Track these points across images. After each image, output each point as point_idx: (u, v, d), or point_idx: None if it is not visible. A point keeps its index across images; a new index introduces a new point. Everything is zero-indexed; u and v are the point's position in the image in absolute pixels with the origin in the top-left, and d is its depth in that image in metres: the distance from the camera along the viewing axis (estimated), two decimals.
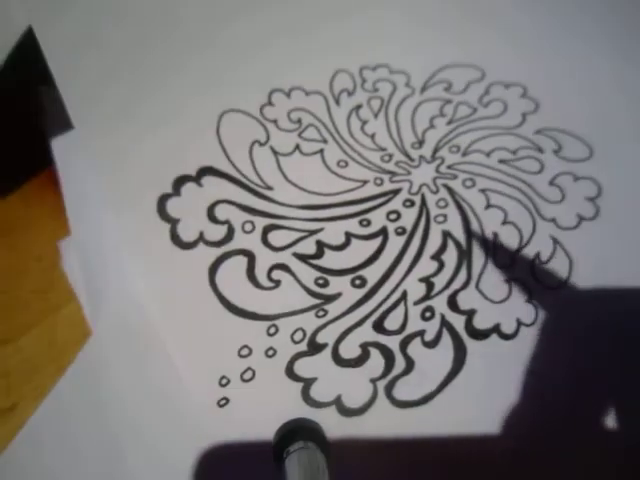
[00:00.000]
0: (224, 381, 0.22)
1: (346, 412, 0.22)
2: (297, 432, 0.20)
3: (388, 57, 0.30)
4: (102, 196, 0.25)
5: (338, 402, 0.22)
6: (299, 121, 0.28)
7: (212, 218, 0.25)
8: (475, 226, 0.25)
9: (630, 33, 0.30)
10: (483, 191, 0.26)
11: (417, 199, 0.26)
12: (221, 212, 0.25)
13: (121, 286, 0.24)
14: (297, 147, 0.27)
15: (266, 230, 0.25)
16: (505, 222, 0.25)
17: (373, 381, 0.22)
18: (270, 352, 0.23)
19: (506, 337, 0.23)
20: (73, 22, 0.27)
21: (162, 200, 0.25)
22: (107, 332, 0.23)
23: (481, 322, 0.23)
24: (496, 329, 0.23)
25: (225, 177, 0.26)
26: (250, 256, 0.24)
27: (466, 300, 0.24)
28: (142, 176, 0.25)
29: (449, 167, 0.27)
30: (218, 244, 0.25)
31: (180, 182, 0.25)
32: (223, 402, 0.22)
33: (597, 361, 0.23)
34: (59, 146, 0.28)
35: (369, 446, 0.21)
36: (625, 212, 0.25)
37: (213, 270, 0.24)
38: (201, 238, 0.25)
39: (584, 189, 0.26)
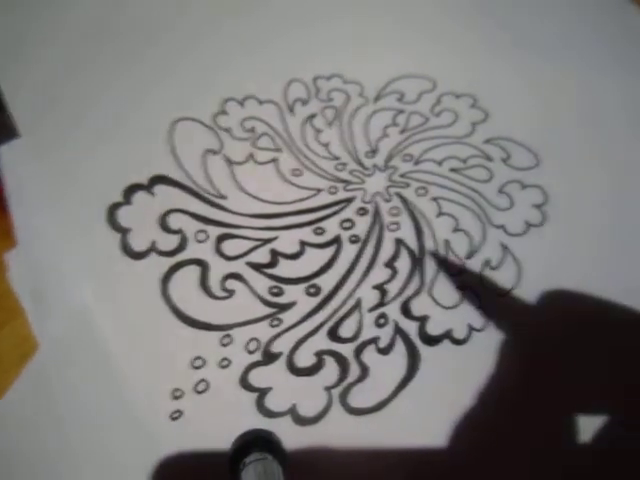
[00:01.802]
0: (177, 393, 0.22)
1: (301, 421, 0.22)
2: (253, 443, 0.20)
3: (342, 67, 0.30)
4: (49, 206, 0.24)
5: (293, 411, 0.22)
6: (253, 130, 0.28)
7: (164, 227, 0.25)
8: (427, 234, 0.26)
9: (576, 44, 0.31)
10: (435, 199, 0.27)
11: (370, 207, 0.27)
12: (174, 221, 0.25)
13: (69, 300, 0.23)
14: (251, 156, 0.27)
15: (220, 239, 0.25)
16: (456, 229, 0.26)
17: (328, 389, 0.22)
18: (224, 363, 0.23)
19: (458, 342, 0.23)
20: (18, 33, 0.26)
21: (112, 209, 0.25)
22: (55, 347, 0.22)
23: (434, 328, 0.24)
24: (448, 335, 0.24)
25: (178, 186, 0.26)
26: (203, 266, 0.24)
27: (419, 306, 0.24)
28: (91, 185, 0.25)
29: (402, 176, 0.27)
30: (171, 254, 0.24)
31: (131, 191, 0.25)
32: (177, 415, 0.21)
33: (547, 365, 0.23)
34: (6, 155, 0.27)
35: (325, 455, 0.21)
36: (570, 218, 0.26)
37: (165, 280, 0.24)
38: (153, 248, 0.24)
39: (531, 196, 0.27)
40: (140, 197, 0.25)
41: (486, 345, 0.23)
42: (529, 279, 0.25)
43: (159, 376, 0.22)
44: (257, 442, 0.20)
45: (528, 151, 0.28)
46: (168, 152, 0.26)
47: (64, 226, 0.24)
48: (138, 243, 0.24)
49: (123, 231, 0.24)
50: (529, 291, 0.24)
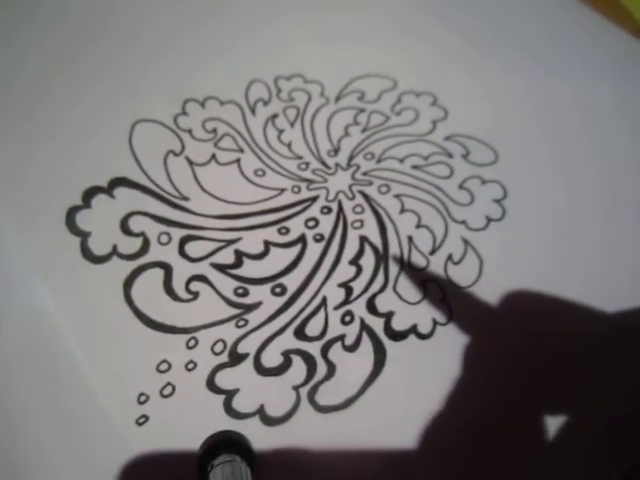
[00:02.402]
0: (143, 398, 0.21)
1: (269, 421, 0.22)
2: (221, 445, 0.20)
3: (302, 67, 0.30)
4: (3, 209, 0.24)
5: (261, 412, 0.22)
6: (214, 131, 0.27)
7: (126, 230, 0.24)
8: (391, 230, 0.26)
9: (534, 43, 0.32)
10: (397, 196, 0.27)
11: (334, 206, 0.27)
12: (135, 224, 0.25)
13: (26, 304, 0.22)
14: (213, 157, 0.27)
15: (183, 241, 0.25)
16: (419, 225, 0.26)
17: (296, 388, 0.22)
18: (190, 365, 0.22)
19: (423, 337, 0.24)
20: None
21: (71, 212, 0.24)
22: (9, 352, 0.22)
23: (399, 323, 0.24)
24: (413, 329, 0.24)
25: (139, 188, 0.25)
26: (167, 268, 0.24)
27: (384, 303, 0.24)
28: (48, 188, 0.24)
29: (364, 174, 0.28)
30: (133, 257, 0.24)
31: (90, 194, 0.25)
32: (142, 420, 0.21)
33: (510, 359, 0.24)
34: None
35: (294, 455, 0.21)
36: (529, 212, 0.27)
37: (128, 284, 0.23)
38: (115, 251, 0.24)
39: (491, 192, 0.27)
40: (100, 200, 0.25)
41: (451, 339, 0.24)
42: (490, 273, 0.25)
43: (124, 381, 0.22)
44: (225, 444, 0.20)
45: (487, 147, 0.28)
46: (128, 154, 0.26)
47: (19, 231, 0.23)
48: (99, 247, 0.24)
49: (83, 235, 0.24)
50: (491, 285, 0.25)
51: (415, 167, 0.28)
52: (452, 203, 0.27)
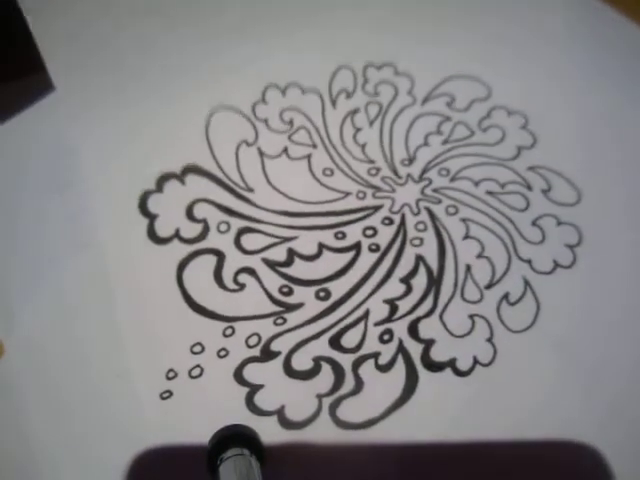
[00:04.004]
0: (171, 374, 0.22)
1: (287, 424, 0.22)
2: (232, 438, 0.20)
3: (396, 56, 0.29)
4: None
5: (280, 413, 0.22)
6: (291, 122, 0.27)
7: (190, 216, 0.25)
8: (450, 255, 0.25)
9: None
10: (464, 220, 0.26)
11: (397, 218, 0.26)
12: (199, 211, 0.25)
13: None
14: (285, 150, 0.27)
15: (240, 232, 0.25)
16: (480, 255, 0.25)
17: (319, 397, 0.22)
18: (222, 353, 0.23)
19: (460, 373, 0.23)
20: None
21: (144, 196, 0.25)
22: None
23: (438, 354, 0.23)
24: (451, 363, 0.23)
25: (208, 176, 0.26)
26: (220, 256, 0.24)
27: (427, 329, 0.24)
28: (129, 171, 0.25)
29: (435, 190, 0.27)
30: (191, 241, 0.24)
31: (164, 179, 0.26)
32: (166, 395, 0.22)
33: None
34: (42, 111, 0.27)
35: (304, 451, 0.21)
36: (602, 265, 0.25)
37: (182, 266, 0.24)
38: (176, 235, 0.25)
39: (565, 235, 0.26)
40: (172, 186, 0.25)
41: (488, 383, 0.23)
42: (546, 322, 0.24)
43: (158, 354, 0.22)
44: (235, 438, 0.20)
45: (571, 186, 0.26)
46: (204, 142, 0.26)
47: (97, 206, 0.25)
48: (163, 229, 0.25)
49: (151, 217, 0.25)
50: (543, 335, 0.23)
51: (489, 193, 0.26)
52: (521, 239, 0.25)
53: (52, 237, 0.24)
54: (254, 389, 0.22)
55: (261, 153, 0.26)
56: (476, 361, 0.23)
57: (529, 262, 0.25)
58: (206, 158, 0.26)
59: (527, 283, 0.25)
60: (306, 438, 0.21)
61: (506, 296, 0.24)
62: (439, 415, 0.22)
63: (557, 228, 0.26)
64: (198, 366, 0.22)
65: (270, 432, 0.21)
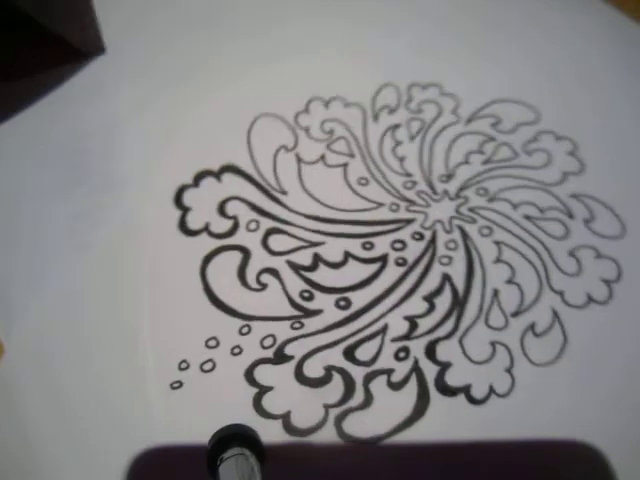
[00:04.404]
0: (184, 365, 0.22)
1: (291, 430, 0.22)
2: (232, 438, 0.20)
3: (442, 76, 0.29)
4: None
5: (286, 418, 0.22)
6: (331, 132, 0.27)
7: (221, 212, 0.25)
8: (478, 278, 0.24)
9: None
10: (497, 243, 0.25)
11: (428, 234, 0.25)
12: (231, 208, 0.26)
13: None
14: (322, 157, 0.27)
15: (268, 232, 0.25)
16: (510, 281, 0.24)
17: (326, 407, 0.22)
18: (236, 350, 0.23)
19: (474, 401, 0.22)
20: None
21: (181, 190, 0.26)
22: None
23: (453, 378, 0.23)
24: (466, 390, 0.22)
25: (244, 176, 0.26)
26: (246, 254, 0.25)
27: (445, 351, 0.23)
28: (169, 164, 0.26)
29: (471, 210, 0.26)
30: (220, 236, 0.25)
31: (201, 176, 0.26)
32: (176, 385, 0.22)
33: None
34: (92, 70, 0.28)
35: (304, 451, 0.21)
36: (638, 305, 0.24)
37: (207, 260, 0.24)
38: (206, 228, 0.25)
39: (604, 269, 0.24)
40: (208, 182, 0.26)
41: (503, 414, 0.22)
42: (571, 358, 0.23)
43: (173, 344, 0.23)
44: (235, 437, 0.21)
45: (616, 219, 0.25)
46: (245, 144, 0.27)
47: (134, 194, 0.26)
48: (194, 222, 0.25)
49: (184, 210, 0.25)
50: (567, 371, 0.22)
51: (527, 217, 0.26)
52: (555, 268, 0.24)
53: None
54: (263, 390, 0.22)
55: (299, 159, 0.26)
56: (492, 390, 0.22)
57: (561, 294, 0.24)
58: (245, 159, 0.26)
59: (556, 315, 0.24)
60: (306, 440, 0.21)
61: (532, 326, 0.23)
62: (447, 441, 0.22)
63: (595, 261, 0.25)
64: (211, 360, 0.23)
65: (273, 436, 0.21)
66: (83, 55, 0.28)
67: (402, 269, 0.25)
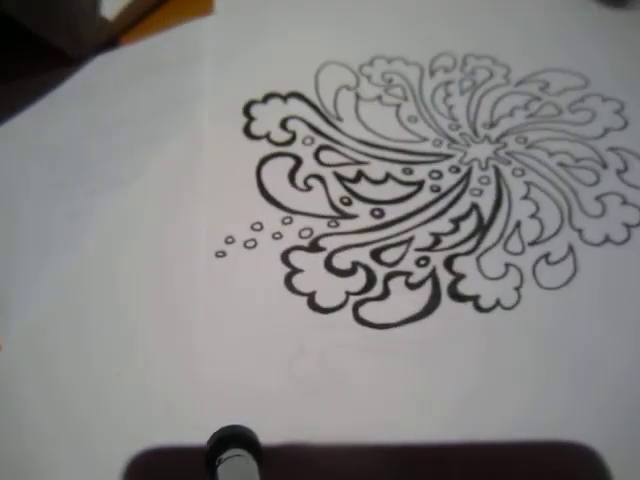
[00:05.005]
0: (229, 240, 0.26)
1: (314, 307, 0.24)
2: (230, 439, 0.20)
3: (496, 50, 0.31)
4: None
5: (311, 296, 0.24)
6: (390, 81, 0.31)
7: (282, 126, 0.29)
8: (504, 210, 0.26)
9: None
10: (528, 183, 0.27)
11: (464, 169, 0.28)
12: (291, 124, 0.29)
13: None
14: (379, 97, 0.30)
15: (321, 148, 0.29)
16: (533, 216, 0.26)
17: (348, 293, 0.25)
18: (277, 235, 0.26)
19: (480, 309, 0.24)
20: None
21: (250, 103, 0.30)
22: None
23: (465, 287, 0.25)
24: (474, 299, 0.24)
25: (307, 102, 0.30)
26: (298, 161, 0.28)
27: (462, 264, 0.25)
28: (245, 82, 0.31)
29: (508, 153, 0.28)
30: (278, 144, 0.29)
31: (270, 96, 0.30)
32: (221, 254, 0.26)
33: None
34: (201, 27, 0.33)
35: (303, 452, 0.21)
36: None
37: (264, 161, 0.28)
38: (266, 136, 0.29)
39: (627, 214, 0.26)
40: (275, 102, 0.30)
41: (504, 323, 0.24)
42: (576, 287, 0.24)
43: (221, 220, 0.26)
44: (234, 438, 0.20)
45: None
46: (312, 80, 0.31)
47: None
48: (257, 129, 0.29)
49: (250, 118, 0.30)
50: (572, 298, 0.24)
51: (561, 165, 0.27)
52: (579, 210, 0.26)
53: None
54: (294, 271, 0.25)
55: (357, 97, 0.30)
56: (498, 302, 0.24)
57: (580, 231, 0.26)
58: (311, 91, 0.30)
59: (571, 249, 0.25)
60: (305, 439, 0.22)
61: (547, 255, 0.25)
62: (450, 340, 0.24)
63: (621, 207, 0.26)
64: (253, 240, 0.26)
65: (300, 319, 0.24)
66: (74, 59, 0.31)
67: (435, 194, 0.27)
